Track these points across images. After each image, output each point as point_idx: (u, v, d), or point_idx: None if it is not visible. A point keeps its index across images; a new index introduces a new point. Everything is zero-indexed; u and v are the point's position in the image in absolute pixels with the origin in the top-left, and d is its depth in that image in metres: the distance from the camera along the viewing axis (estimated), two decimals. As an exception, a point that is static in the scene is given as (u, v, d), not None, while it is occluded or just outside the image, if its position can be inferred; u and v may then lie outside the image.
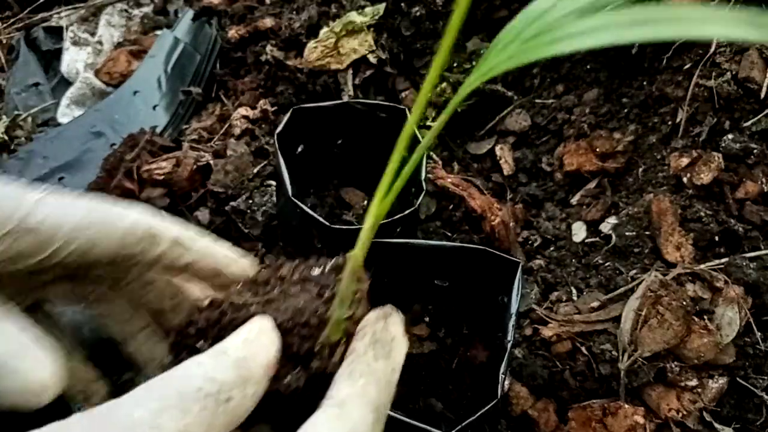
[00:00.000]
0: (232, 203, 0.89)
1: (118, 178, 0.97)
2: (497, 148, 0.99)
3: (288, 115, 0.82)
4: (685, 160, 0.81)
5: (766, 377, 0.71)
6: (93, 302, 0.42)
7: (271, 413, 0.31)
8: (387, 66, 1.02)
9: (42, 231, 0.33)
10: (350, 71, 1.01)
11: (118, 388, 0.32)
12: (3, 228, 0.32)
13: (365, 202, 0.94)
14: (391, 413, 0.60)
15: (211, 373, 0.28)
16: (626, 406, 0.69)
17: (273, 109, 1.01)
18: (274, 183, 0.91)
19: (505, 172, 0.97)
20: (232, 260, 0.41)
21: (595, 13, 0.24)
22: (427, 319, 0.81)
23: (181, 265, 0.39)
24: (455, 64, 1.04)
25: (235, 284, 0.37)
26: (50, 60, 1.20)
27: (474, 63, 1.04)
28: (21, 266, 0.34)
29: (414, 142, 0.37)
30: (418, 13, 1.00)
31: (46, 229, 0.33)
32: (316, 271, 0.35)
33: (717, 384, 0.70)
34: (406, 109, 0.84)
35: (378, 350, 0.33)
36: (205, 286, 0.42)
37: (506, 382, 0.72)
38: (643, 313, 0.70)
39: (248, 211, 0.88)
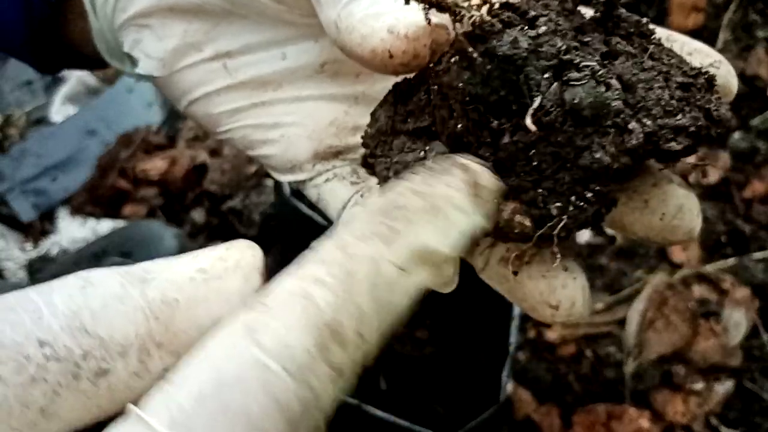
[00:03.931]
0: (229, 203, 0.88)
1: (112, 177, 0.96)
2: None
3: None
4: (691, 159, 0.81)
5: (774, 380, 0.70)
6: None
7: None
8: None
9: None
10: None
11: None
12: None
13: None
14: (393, 418, 0.59)
15: None
16: (631, 409, 0.68)
17: (270, 107, 1.00)
18: (271, 182, 0.90)
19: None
20: None
21: None
22: (428, 321, 0.80)
23: None
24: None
25: None
26: (44, 57, 1.19)
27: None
28: None
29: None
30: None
31: None
32: None
33: (723, 387, 0.70)
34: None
35: None
36: None
37: (509, 386, 0.71)
38: (649, 315, 0.69)
39: (245, 211, 0.87)
